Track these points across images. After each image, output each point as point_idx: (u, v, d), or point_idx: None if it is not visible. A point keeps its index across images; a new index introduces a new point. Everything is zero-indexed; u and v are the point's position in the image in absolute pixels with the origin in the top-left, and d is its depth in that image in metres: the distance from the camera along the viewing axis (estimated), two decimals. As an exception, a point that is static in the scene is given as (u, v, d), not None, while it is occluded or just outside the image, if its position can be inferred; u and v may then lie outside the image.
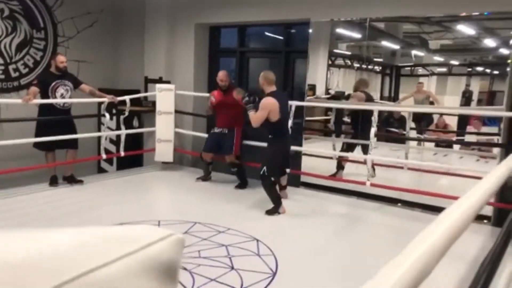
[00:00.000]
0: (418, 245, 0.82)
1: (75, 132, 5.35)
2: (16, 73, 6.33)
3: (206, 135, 6.77)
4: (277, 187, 4.66)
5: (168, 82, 6.77)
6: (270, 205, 4.46)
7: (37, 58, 6.54)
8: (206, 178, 5.81)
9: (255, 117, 4.41)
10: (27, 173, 5.43)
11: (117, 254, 0.47)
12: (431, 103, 5.58)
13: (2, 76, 6.17)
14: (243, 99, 4.57)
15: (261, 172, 4.40)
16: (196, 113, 6.71)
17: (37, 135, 5.14)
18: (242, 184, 5.54)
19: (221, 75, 5.40)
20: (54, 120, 5.16)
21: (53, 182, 5.23)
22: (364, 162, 5.10)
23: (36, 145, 5.16)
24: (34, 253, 0.45)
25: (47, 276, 0.43)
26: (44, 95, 5.08)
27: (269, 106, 4.35)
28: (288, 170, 5.02)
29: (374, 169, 5.13)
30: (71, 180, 5.33)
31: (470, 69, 5.68)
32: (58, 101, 5.14)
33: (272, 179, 4.45)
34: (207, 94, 6.92)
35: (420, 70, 5.96)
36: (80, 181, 5.37)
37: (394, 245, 3.78)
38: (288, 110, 4.90)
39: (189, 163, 6.92)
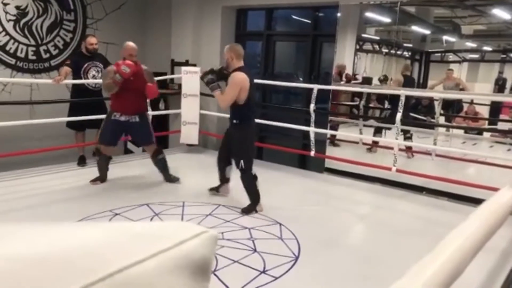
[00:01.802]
0: (451, 242, 0.80)
1: (106, 112, 5.47)
2: (47, 54, 6.47)
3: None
4: (223, 184, 4.29)
5: (194, 65, 6.79)
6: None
7: (67, 40, 6.65)
8: (104, 177, 4.72)
9: (224, 97, 3.78)
10: (55, 153, 5.59)
11: (151, 251, 0.47)
12: (461, 90, 5.43)
13: (34, 57, 6.32)
14: (204, 77, 3.92)
15: (239, 167, 3.90)
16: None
17: (70, 115, 5.34)
18: (169, 175, 4.79)
19: (135, 48, 4.42)
20: (86, 100, 5.31)
21: (81, 161, 5.36)
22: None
23: (69, 124, 5.34)
24: (69, 248, 0.46)
25: (81, 273, 0.43)
26: (76, 76, 5.23)
27: (240, 82, 3.71)
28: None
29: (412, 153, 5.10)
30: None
31: (504, 56, 5.48)
32: (88, 81, 5.26)
33: (253, 173, 3.96)
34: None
35: (451, 56, 5.79)
36: (109, 158, 5.52)
37: (419, 234, 3.77)
38: (255, 89, 4.23)
39: (214, 145, 6.97)
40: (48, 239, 0.48)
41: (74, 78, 5.26)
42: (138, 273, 0.45)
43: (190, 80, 6.27)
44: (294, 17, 7.30)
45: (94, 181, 4.63)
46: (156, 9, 7.43)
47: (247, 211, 3.97)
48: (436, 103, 5.37)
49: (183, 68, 6.39)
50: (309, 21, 6.83)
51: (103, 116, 5.31)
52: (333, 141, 6.00)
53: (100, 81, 5.32)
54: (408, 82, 5.63)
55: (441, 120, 5.51)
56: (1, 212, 3.67)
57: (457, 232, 0.90)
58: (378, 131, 5.88)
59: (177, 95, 6.54)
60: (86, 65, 5.24)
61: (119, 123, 4.43)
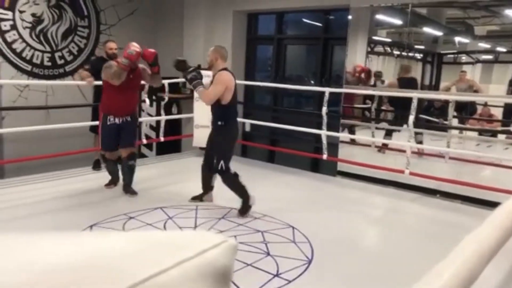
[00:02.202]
0: (467, 246, 0.80)
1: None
2: (62, 60, 6.57)
3: (243, 121, 6.84)
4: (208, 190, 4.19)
5: (206, 69, 6.83)
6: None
7: (81, 46, 6.76)
8: (117, 180, 4.70)
9: (209, 93, 3.73)
10: (71, 157, 5.67)
11: (175, 260, 0.48)
12: (475, 92, 5.38)
13: (49, 63, 6.43)
14: (188, 74, 3.81)
15: (219, 168, 3.86)
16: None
17: (93, 119, 5.43)
18: (130, 185, 4.49)
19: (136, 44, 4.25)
20: None
21: (97, 165, 5.44)
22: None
23: (91, 128, 5.44)
24: (95, 257, 0.47)
25: (109, 282, 0.44)
26: (96, 80, 5.31)
27: (226, 81, 3.73)
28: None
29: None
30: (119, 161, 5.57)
31: (518, 57, 5.43)
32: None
33: (233, 171, 3.90)
34: (244, 82, 6.99)
35: (464, 58, 5.75)
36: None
37: (434, 237, 3.75)
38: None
39: (226, 149, 7.01)
40: (74, 248, 0.49)
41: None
42: (163, 282, 0.46)
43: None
44: (304, 20, 7.32)
45: (108, 185, 4.67)
46: (168, 14, 7.51)
47: (243, 211, 3.92)
48: (449, 105, 5.33)
49: (195, 73, 6.43)
50: (320, 24, 6.84)
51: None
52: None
53: None
54: (408, 84, 5.58)
55: (455, 122, 5.47)
56: (22, 217, 3.75)
57: (473, 236, 0.90)
58: (388, 133, 5.88)
59: (189, 100, 6.59)
60: None
61: (115, 126, 4.33)
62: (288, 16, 7.11)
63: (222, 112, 3.85)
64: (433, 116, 5.69)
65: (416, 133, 5.29)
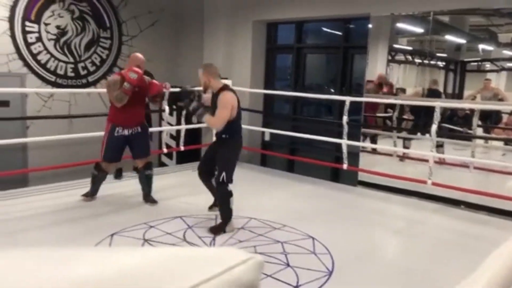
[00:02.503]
0: (497, 259, 0.78)
1: (151, 125, 5.72)
2: (85, 71, 6.71)
3: (262, 130, 6.85)
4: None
5: (225, 78, 6.88)
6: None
7: (103, 57, 6.88)
8: (96, 192, 4.57)
9: (217, 119, 3.71)
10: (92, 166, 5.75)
11: (203, 276, 0.49)
12: (500, 100, 5.27)
13: (72, 74, 6.56)
14: (188, 106, 3.82)
15: (220, 179, 3.76)
16: (252, 108, 6.78)
17: None
18: (149, 194, 4.52)
19: (142, 59, 4.40)
20: None
21: (119, 174, 5.50)
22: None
23: None
24: (121, 272, 0.48)
25: None
26: None
27: (230, 102, 3.70)
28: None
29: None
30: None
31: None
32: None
33: (229, 189, 3.78)
34: (264, 91, 7.00)
35: (488, 66, 5.64)
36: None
37: (458, 249, 3.65)
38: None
39: (245, 158, 7.01)
40: (106, 263, 0.51)
41: None
42: None
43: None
44: (324, 29, 7.31)
45: (86, 195, 4.50)
46: (188, 25, 7.60)
47: (215, 230, 3.77)
48: (473, 114, 5.22)
49: (215, 82, 6.48)
50: (339, 33, 6.82)
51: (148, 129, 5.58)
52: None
53: None
54: (432, 94, 5.54)
55: (479, 131, 5.35)
56: (45, 225, 3.82)
57: (503, 249, 0.87)
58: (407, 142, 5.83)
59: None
60: None
61: (123, 138, 4.28)
62: (308, 25, 7.12)
63: (226, 127, 3.77)
64: (456, 125, 5.58)
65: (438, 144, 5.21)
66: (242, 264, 0.53)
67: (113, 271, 0.48)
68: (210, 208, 4.28)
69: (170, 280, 0.48)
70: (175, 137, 6.64)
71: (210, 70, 3.82)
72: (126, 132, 4.27)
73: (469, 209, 4.70)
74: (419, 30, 5.90)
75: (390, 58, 6.03)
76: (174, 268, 0.51)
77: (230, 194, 3.77)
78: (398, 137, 5.99)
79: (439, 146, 5.33)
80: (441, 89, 5.71)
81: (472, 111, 5.20)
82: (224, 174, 3.74)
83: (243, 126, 6.53)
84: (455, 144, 5.60)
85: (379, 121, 6.49)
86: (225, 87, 3.79)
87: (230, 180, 3.78)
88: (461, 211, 4.71)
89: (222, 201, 3.81)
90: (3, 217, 3.93)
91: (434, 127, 4.62)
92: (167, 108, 5.95)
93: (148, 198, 4.49)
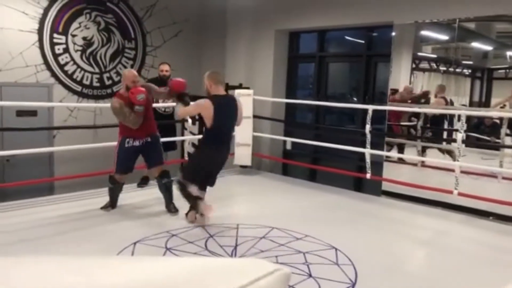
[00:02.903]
0: None
1: (175, 134, 5.94)
2: (109, 81, 6.85)
3: (284, 139, 6.82)
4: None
5: (247, 88, 6.91)
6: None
7: (128, 67, 7.01)
8: (115, 204, 4.61)
9: (183, 109, 4.17)
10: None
11: (232, 286, 0.49)
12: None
13: (97, 84, 6.71)
14: (183, 98, 4.23)
15: (177, 178, 4.10)
16: (274, 117, 6.78)
17: None
18: (171, 202, 4.50)
19: (135, 73, 4.38)
20: (159, 124, 5.63)
21: (143, 182, 5.56)
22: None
23: None
24: (151, 282, 0.49)
25: None
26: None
27: (199, 106, 3.99)
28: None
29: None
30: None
31: None
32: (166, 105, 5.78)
33: (183, 182, 4.03)
34: (285, 100, 6.98)
35: (517, 73, 5.48)
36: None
37: (487, 262, 3.53)
38: (233, 118, 4.13)
39: (267, 167, 7.00)
40: (135, 273, 0.51)
41: None
42: None
43: (243, 102, 6.37)
44: (347, 38, 7.28)
45: (105, 207, 4.52)
46: (211, 35, 7.68)
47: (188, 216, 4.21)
48: (502, 122, 5.09)
49: (237, 91, 6.51)
50: (362, 42, 6.77)
51: (174, 138, 5.85)
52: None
53: (169, 104, 5.71)
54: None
55: (508, 141, 5.20)
56: (68, 231, 3.88)
57: None
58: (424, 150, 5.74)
59: (231, 118, 6.66)
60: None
61: (134, 149, 4.34)
62: (330, 33, 7.09)
63: (205, 133, 4.13)
64: (484, 134, 5.44)
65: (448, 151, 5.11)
66: (269, 276, 0.52)
67: (140, 281, 0.48)
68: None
69: None
70: (197, 146, 6.69)
71: (212, 76, 4.02)
72: (137, 143, 4.32)
73: (499, 220, 4.56)
74: (444, 37, 5.81)
75: (414, 66, 5.94)
76: (201, 279, 0.51)
77: (186, 185, 4.01)
78: (423, 147, 5.88)
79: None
80: (465, 96, 5.58)
81: (500, 119, 5.06)
82: (181, 175, 4.07)
83: (265, 134, 6.60)
84: (483, 153, 5.46)
85: (405, 130, 6.39)
86: (215, 96, 3.95)
87: (188, 179, 4.02)
88: (490, 222, 4.57)
89: (183, 194, 4.09)
90: (28, 225, 4.02)
91: (459, 136, 4.52)
92: (189, 118, 6.02)
93: (169, 206, 4.50)
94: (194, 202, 4.06)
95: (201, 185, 4.11)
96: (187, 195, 4.05)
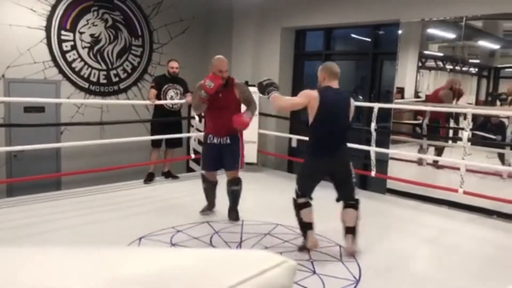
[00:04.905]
0: None
1: (181, 131, 5.98)
2: (116, 78, 6.88)
3: (290, 136, 6.82)
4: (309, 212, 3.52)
5: (253, 85, 6.91)
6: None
7: (134, 64, 7.05)
8: (213, 204, 4.44)
9: (284, 99, 3.46)
10: (123, 171, 5.89)
11: (238, 278, 0.50)
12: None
13: (104, 81, 6.75)
14: (261, 84, 3.52)
15: (295, 190, 3.53)
16: (279, 115, 6.78)
17: (152, 133, 5.83)
18: (235, 210, 4.26)
19: (224, 63, 4.06)
20: (163, 120, 5.77)
21: (149, 178, 5.60)
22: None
23: (153, 143, 5.76)
24: (159, 272, 0.50)
25: None
26: (158, 96, 5.65)
27: (306, 96, 3.34)
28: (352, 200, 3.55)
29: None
30: (169, 175, 5.77)
31: None
32: (168, 102, 5.74)
33: (301, 200, 3.48)
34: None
35: (524, 72, 5.46)
36: (176, 177, 5.86)
37: (492, 261, 3.53)
38: (344, 114, 3.49)
39: (272, 165, 7.01)
40: (143, 264, 0.52)
41: (157, 98, 5.66)
42: None
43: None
44: (353, 36, 7.26)
45: (203, 211, 4.35)
46: (217, 32, 7.70)
47: (300, 249, 3.56)
48: (506, 121, 5.07)
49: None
50: (368, 40, 6.76)
51: (180, 135, 5.88)
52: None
53: (178, 101, 5.75)
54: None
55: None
56: (74, 226, 3.93)
57: None
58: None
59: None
60: (166, 86, 5.70)
61: (214, 146, 4.10)
62: (336, 32, 7.08)
63: (309, 132, 3.51)
64: (490, 133, 5.42)
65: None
66: (276, 268, 0.53)
67: (146, 272, 0.49)
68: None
69: (206, 281, 0.49)
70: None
71: (329, 69, 3.44)
72: (215, 140, 4.08)
73: (504, 219, 4.55)
74: (451, 35, 5.78)
75: (420, 64, 5.92)
76: (211, 269, 0.52)
77: (303, 205, 3.49)
78: (429, 145, 5.87)
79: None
80: (471, 94, 5.55)
81: (497, 118, 5.05)
82: (296, 186, 3.54)
83: (270, 132, 6.60)
84: (489, 152, 5.43)
85: (408, 128, 6.37)
86: (322, 88, 3.40)
87: (300, 191, 3.52)
88: (495, 221, 4.57)
89: (296, 214, 3.52)
90: (35, 220, 4.06)
91: (465, 134, 4.51)
92: (196, 116, 6.05)
93: (231, 213, 4.23)
94: (305, 229, 3.50)
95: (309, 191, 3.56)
96: (299, 216, 3.51)
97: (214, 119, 4.10)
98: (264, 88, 3.46)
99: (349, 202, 3.52)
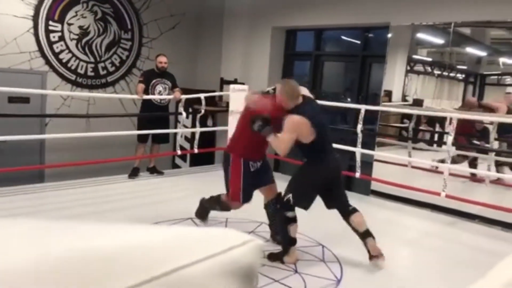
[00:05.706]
0: (502, 273, 0.75)
1: (168, 126, 5.91)
2: (104, 71, 6.82)
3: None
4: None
5: (242, 83, 6.91)
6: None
7: (123, 58, 6.99)
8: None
9: (281, 142, 3.09)
10: (108, 165, 5.83)
11: (202, 254, 0.50)
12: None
13: (92, 74, 6.68)
14: (253, 123, 3.14)
15: (285, 199, 3.29)
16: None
17: (139, 128, 5.74)
18: (276, 232, 3.72)
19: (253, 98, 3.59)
20: (150, 115, 5.72)
21: (134, 173, 5.56)
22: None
23: (140, 138, 5.69)
24: (126, 247, 0.49)
25: (137, 270, 0.46)
26: (146, 91, 5.59)
27: (295, 127, 3.10)
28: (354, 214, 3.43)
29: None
30: (154, 170, 5.73)
31: None
32: (156, 97, 5.66)
33: (291, 214, 3.29)
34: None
35: (509, 79, 5.54)
36: (162, 173, 5.84)
37: (470, 264, 3.58)
38: (325, 119, 3.54)
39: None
40: (111, 238, 0.52)
41: (145, 93, 5.59)
42: (190, 274, 0.48)
43: (237, 98, 6.37)
44: (343, 37, 7.30)
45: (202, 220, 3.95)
46: (208, 29, 7.67)
47: (272, 258, 3.34)
48: (490, 127, 5.14)
49: (232, 86, 6.51)
50: (358, 42, 6.80)
51: (167, 131, 5.80)
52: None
53: (166, 96, 5.67)
54: (416, 104, 5.44)
55: (496, 145, 5.26)
56: (56, 218, 3.86)
57: (509, 262, 0.82)
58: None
59: (225, 113, 6.66)
60: (154, 81, 5.63)
61: (257, 172, 3.55)
62: (327, 33, 7.11)
63: (306, 150, 3.38)
64: (474, 139, 5.49)
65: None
66: (242, 246, 0.53)
67: (108, 247, 0.48)
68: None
69: (168, 257, 0.49)
70: (190, 139, 6.70)
71: (288, 91, 3.32)
72: (257, 164, 3.54)
73: (484, 223, 4.62)
74: (439, 41, 5.85)
75: (409, 68, 5.98)
76: (171, 246, 0.51)
77: (293, 220, 3.30)
78: (414, 148, 5.93)
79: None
80: (459, 101, 5.63)
81: (481, 124, 5.11)
82: (290, 195, 3.30)
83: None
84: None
85: (395, 132, 6.42)
86: (296, 108, 3.25)
87: (298, 203, 3.31)
88: (476, 225, 4.63)
89: (282, 227, 3.35)
90: (16, 212, 4.01)
91: (450, 138, 4.56)
92: (184, 112, 6.01)
93: (275, 236, 3.74)
94: (290, 244, 3.34)
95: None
96: (286, 231, 3.32)
97: (257, 142, 3.38)
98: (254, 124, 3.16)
99: (351, 208, 3.45)
